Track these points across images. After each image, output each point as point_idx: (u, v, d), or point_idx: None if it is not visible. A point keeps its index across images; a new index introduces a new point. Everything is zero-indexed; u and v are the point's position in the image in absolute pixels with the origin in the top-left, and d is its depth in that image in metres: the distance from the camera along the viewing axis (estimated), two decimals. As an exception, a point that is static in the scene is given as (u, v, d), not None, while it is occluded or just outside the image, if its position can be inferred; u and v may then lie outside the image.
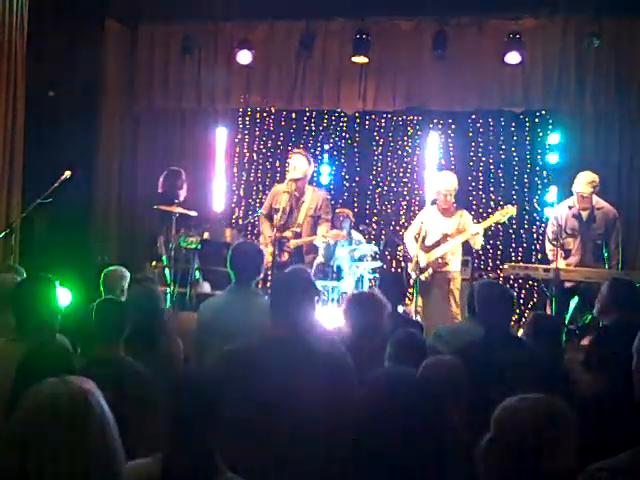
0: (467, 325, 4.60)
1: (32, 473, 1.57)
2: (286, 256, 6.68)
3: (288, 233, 6.69)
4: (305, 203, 6.78)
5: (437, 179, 7.29)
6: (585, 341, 6.23)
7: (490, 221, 7.15)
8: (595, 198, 6.79)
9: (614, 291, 4.28)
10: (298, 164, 6.79)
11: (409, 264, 7.33)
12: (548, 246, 6.97)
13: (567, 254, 6.85)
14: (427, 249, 7.02)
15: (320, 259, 7.64)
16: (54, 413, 1.60)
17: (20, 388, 2.12)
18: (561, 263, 6.65)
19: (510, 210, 7.08)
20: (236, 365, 2.86)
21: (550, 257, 6.87)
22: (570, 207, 6.83)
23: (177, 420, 2.13)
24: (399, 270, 9.06)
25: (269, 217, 6.92)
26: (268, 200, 7.05)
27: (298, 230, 6.72)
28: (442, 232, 7.02)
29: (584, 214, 6.74)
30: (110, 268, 5.36)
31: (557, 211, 7.01)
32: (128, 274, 5.28)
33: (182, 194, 7.91)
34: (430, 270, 6.96)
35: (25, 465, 1.57)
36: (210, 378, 2.27)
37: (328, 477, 2.57)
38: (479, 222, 7.35)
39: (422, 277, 6.89)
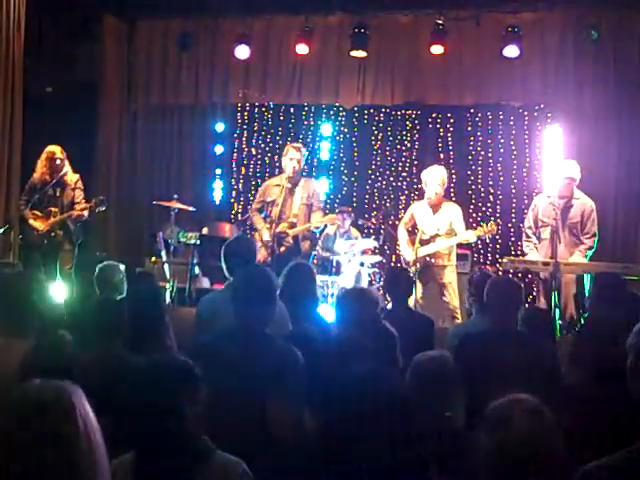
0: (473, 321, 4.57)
1: (16, 474, 1.56)
2: (283, 248, 6.71)
3: (284, 224, 6.72)
4: (298, 192, 6.81)
5: (425, 173, 7.28)
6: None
7: (475, 234, 7.05)
8: (576, 190, 6.78)
9: (598, 285, 4.29)
10: (299, 157, 6.85)
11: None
12: (524, 236, 7.00)
13: (541, 242, 6.85)
14: (418, 243, 7.08)
15: (318, 251, 7.68)
16: (38, 415, 1.60)
17: None
18: (535, 255, 6.70)
19: (493, 228, 7.04)
20: (200, 357, 2.96)
21: (525, 249, 6.93)
22: (549, 197, 6.82)
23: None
24: (398, 264, 9.08)
25: (260, 211, 6.96)
26: (260, 195, 7.07)
27: (294, 220, 6.76)
28: (433, 231, 7.02)
29: (561, 203, 6.69)
30: (104, 263, 5.36)
31: (536, 201, 7.02)
32: (123, 269, 5.28)
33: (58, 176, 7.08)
34: (418, 265, 6.96)
35: (9, 466, 1.57)
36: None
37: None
38: (471, 225, 7.39)
39: (412, 269, 6.93)
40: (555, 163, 7.05)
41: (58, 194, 7.05)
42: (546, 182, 7.83)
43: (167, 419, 2.16)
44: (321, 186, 8.58)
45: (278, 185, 6.85)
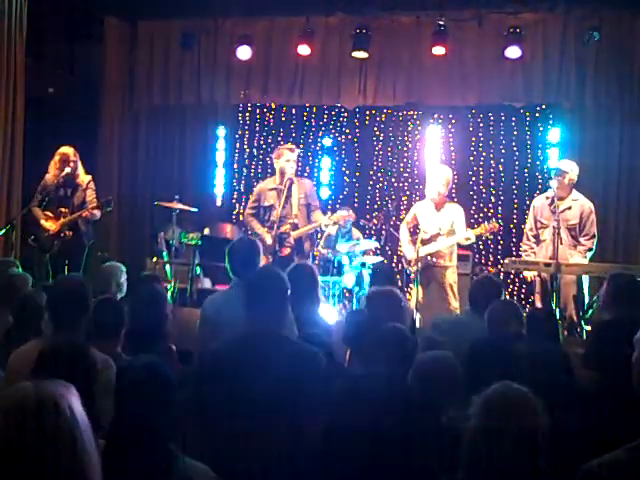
0: (465, 317, 4.60)
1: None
2: (288, 250, 6.71)
3: (286, 226, 6.72)
4: (295, 193, 6.82)
5: (429, 173, 7.30)
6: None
7: (474, 233, 7.07)
8: (574, 191, 6.79)
9: (615, 286, 4.25)
10: (295, 158, 6.85)
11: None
12: (524, 238, 7.02)
13: (540, 244, 6.85)
14: (419, 243, 7.09)
15: (320, 250, 7.68)
16: (21, 418, 1.57)
17: None
18: (531, 256, 6.72)
19: (495, 226, 7.05)
20: (214, 362, 2.98)
21: (522, 253, 6.94)
22: (547, 197, 6.83)
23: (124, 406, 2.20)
24: (399, 265, 9.08)
25: (257, 215, 6.96)
26: (254, 200, 7.09)
27: (296, 221, 6.76)
28: (434, 230, 7.02)
29: (560, 204, 6.68)
30: (106, 263, 5.36)
31: (535, 202, 7.03)
32: (124, 269, 5.29)
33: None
34: (419, 264, 6.97)
35: None
36: (159, 368, 2.29)
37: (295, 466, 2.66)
38: (472, 225, 7.38)
39: (412, 269, 6.93)
40: (555, 164, 7.07)
41: (69, 195, 7.00)
42: (547, 183, 7.84)
43: (134, 422, 2.15)
44: (315, 185, 8.57)
45: (273, 189, 6.87)
